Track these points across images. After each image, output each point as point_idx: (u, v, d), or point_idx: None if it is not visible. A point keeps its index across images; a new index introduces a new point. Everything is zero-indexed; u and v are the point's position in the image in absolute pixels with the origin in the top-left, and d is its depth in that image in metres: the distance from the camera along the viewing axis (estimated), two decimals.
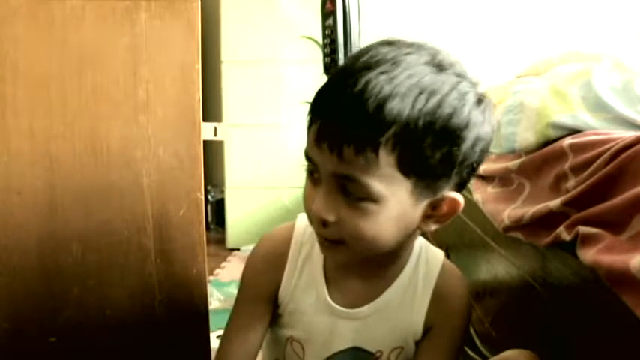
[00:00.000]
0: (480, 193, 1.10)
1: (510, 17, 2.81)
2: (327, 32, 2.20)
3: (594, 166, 0.72)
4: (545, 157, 0.87)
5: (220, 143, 2.90)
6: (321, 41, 2.38)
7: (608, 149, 0.70)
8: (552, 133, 0.89)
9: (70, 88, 0.87)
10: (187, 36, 0.90)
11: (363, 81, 0.64)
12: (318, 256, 0.83)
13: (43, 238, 0.88)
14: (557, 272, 0.78)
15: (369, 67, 0.65)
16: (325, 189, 0.69)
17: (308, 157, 0.70)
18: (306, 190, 0.72)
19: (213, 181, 3.23)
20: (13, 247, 0.87)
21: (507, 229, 0.90)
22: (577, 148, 0.79)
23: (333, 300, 0.81)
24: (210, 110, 2.90)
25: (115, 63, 0.88)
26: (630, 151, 0.66)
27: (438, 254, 0.84)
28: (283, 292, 0.84)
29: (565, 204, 0.75)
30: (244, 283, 0.87)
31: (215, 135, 0.95)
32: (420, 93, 0.64)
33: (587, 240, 0.67)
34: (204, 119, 0.95)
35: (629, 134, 0.71)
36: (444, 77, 0.67)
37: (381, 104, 0.62)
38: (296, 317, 0.84)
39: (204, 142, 0.95)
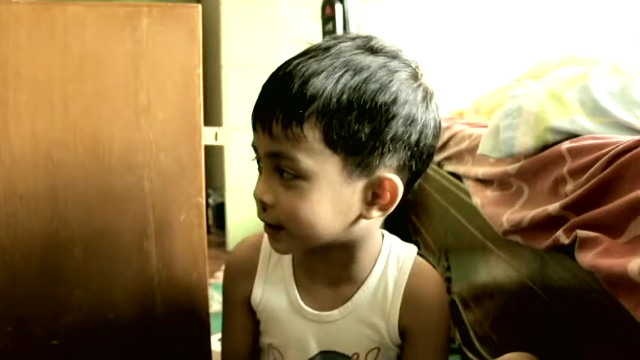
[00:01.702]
0: (479, 196, 1.11)
1: (509, 21, 2.81)
2: (326, 37, 2.21)
3: (592, 170, 0.72)
4: (544, 160, 0.87)
5: (220, 147, 2.91)
6: None
7: (606, 153, 0.71)
8: (551, 138, 0.89)
9: (72, 93, 0.88)
10: (188, 41, 0.91)
11: (293, 64, 0.68)
12: (287, 260, 0.84)
13: (46, 242, 0.89)
14: (556, 275, 0.78)
15: (302, 54, 0.69)
16: (265, 173, 0.71)
17: (254, 147, 0.73)
18: (257, 182, 0.74)
19: (214, 185, 3.24)
20: (16, 251, 0.88)
21: (506, 232, 0.90)
22: (575, 152, 0.80)
23: (304, 303, 0.81)
24: (211, 114, 2.91)
25: (116, 68, 0.89)
26: (628, 155, 0.66)
27: (410, 252, 0.83)
28: (256, 297, 0.84)
29: (564, 208, 0.75)
30: (223, 292, 0.88)
31: (216, 139, 0.95)
32: (347, 70, 0.66)
33: (586, 243, 0.67)
34: (205, 123, 0.95)
35: (627, 138, 0.71)
36: (375, 58, 0.69)
37: (306, 81, 0.66)
38: (272, 324, 0.84)
39: (205, 146, 0.95)
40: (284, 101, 0.66)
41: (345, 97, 0.65)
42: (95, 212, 0.90)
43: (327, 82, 0.65)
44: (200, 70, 0.92)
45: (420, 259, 0.83)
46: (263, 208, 0.72)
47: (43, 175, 0.88)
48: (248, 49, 2.84)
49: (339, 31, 2.13)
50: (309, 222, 0.69)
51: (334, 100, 0.65)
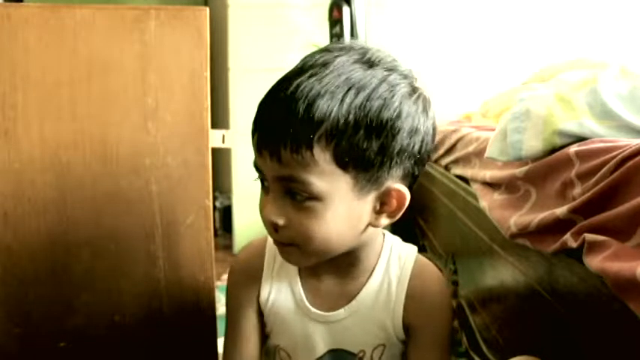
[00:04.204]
0: (487, 200, 1.10)
1: (516, 24, 2.81)
2: (334, 40, 2.21)
3: (601, 173, 0.72)
4: (552, 164, 0.87)
5: (227, 149, 2.91)
6: None
7: (615, 157, 0.70)
8: (559, 141, 0.89)
9: (80, 96, 0.88)
10: (196, 44, 0.91)
11: (294, 85, 0.66)
12: None
13: (53, 244, 0.89)
14: (563, 279, 0.78)
15: (300, 72, 0.68)
16: (273, 194, 0.71)
17: (256, 167, 0.73)
18: (261, 199, 0.74)
19: (221, 188, 3.24)
20: (24, 253, 0.88)
21: (514, 235, 0.90)
22: (583, 156, 0.79)
23: (310, 304, 0.82)
24: (218, 117, 2.91)
25: (124, 70, 0.89)
26: (637, 159, 0.66)
27: (411, 251, 0.84)
28: (262, 300, 0.84)
29: (572, 211, 0.75)
30: (228, 297, 0.88)
31: (223, 142, 0.95)
32: (349, 89, 0.66)
33: (594, 247, 0.67)
34: (212, 126, 0.96)
35: (636, 142, 0.71)
36: (373, 72, 0.69)
37: (311, 103, 0.65)
38: (278, 326, 0.85)
39: (212, 148, 0.95)
40: (291, 126, 0.66)
41: (351, 116, 0.66)
42: (102, 215, 0.91)
43: (333, 104, 0.65)
44: (207, 73, 0.92)
45: (421, 256, 0.85)
46: (274, 228, 0.72)
47: (51, 177, 0.88)
48: (255, 52, 2.85)
49: (347, 33, 2.13)
50: (323, 240, 0.71)
51: (342, 121, 0.65)
